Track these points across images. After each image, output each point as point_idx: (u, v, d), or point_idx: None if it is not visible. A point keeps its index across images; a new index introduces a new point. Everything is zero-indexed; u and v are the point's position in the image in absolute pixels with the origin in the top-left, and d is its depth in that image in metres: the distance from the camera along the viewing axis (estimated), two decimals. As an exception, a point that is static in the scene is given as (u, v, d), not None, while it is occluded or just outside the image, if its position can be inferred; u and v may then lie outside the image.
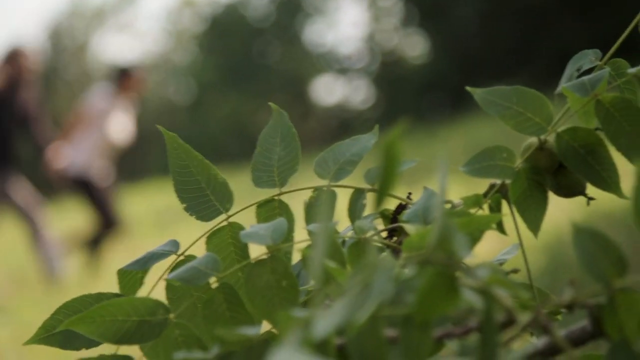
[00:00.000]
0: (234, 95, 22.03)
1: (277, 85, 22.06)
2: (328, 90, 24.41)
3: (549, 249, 5.36)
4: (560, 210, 5.14)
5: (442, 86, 19.28)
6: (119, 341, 0.96)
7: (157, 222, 10.66)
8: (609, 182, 1.03)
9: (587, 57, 1.06)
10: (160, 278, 1.01)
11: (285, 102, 20.59)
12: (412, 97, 20.17)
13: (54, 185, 9.11)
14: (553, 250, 5.30)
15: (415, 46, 22.13)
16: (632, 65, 1.06)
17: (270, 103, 1.07)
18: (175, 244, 1.02)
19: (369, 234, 0.95)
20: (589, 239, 0.73)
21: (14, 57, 8.04)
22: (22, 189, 7.93)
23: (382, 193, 0.72)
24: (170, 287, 1.00)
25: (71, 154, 8.17)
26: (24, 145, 8.24)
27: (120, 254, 8.24)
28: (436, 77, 19.65)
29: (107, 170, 8.44)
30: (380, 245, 1.00)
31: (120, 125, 8.41)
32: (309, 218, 1.04)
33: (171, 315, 0.98)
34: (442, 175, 0.76)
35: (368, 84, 22.76)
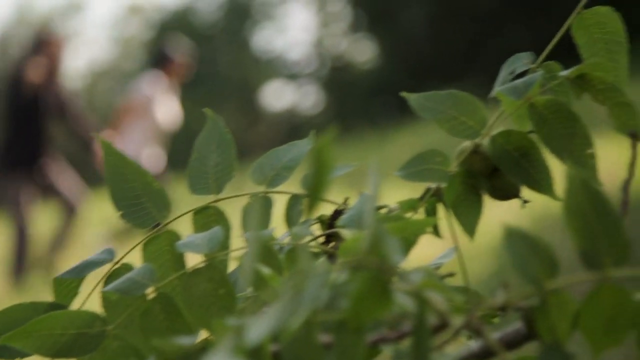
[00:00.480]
0: (182, 102, 21.94)
1: (226, 92, 21.98)
2: (278, 96, 24.40)
3: (497, 252, 5.39)
4: (510, 214, 5.17)
5: (392, 90, 19.24)
6: (56, 355, 0.95)
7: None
8: (542, 185, 1.03)
9: (521, 60, 1.06)
10: (96, 285, 1.00)
11: (235, 109, 20.54)
12: (361, 101, 20.21)
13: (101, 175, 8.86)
14: (502, 253, 5.33)
15: (364, 51, 22.19)
16: (568, 68, 1.06)
17: (205, 109, 1.06)
18: (111, 252, 1.01)
19: (305, 240, 0.94)
20: (519, 241, 0.73)
21: (43, 46, 7.64)
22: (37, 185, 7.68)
23: (313, 199, 0.72)
24: (105, 297, 0.99)
25: (121, 145, 8.03)
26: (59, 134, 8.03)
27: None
28: (386, 81, 19.70)
29: (158, 157, 8.33)
30: (317, 251, 1.00)
31: (168, 111, 8.35)
32: (245, 225, 1.03)
33: (109, 327, 0.97)
34: (373, 181, 0.76)
35: (317, 89, 22.77)
